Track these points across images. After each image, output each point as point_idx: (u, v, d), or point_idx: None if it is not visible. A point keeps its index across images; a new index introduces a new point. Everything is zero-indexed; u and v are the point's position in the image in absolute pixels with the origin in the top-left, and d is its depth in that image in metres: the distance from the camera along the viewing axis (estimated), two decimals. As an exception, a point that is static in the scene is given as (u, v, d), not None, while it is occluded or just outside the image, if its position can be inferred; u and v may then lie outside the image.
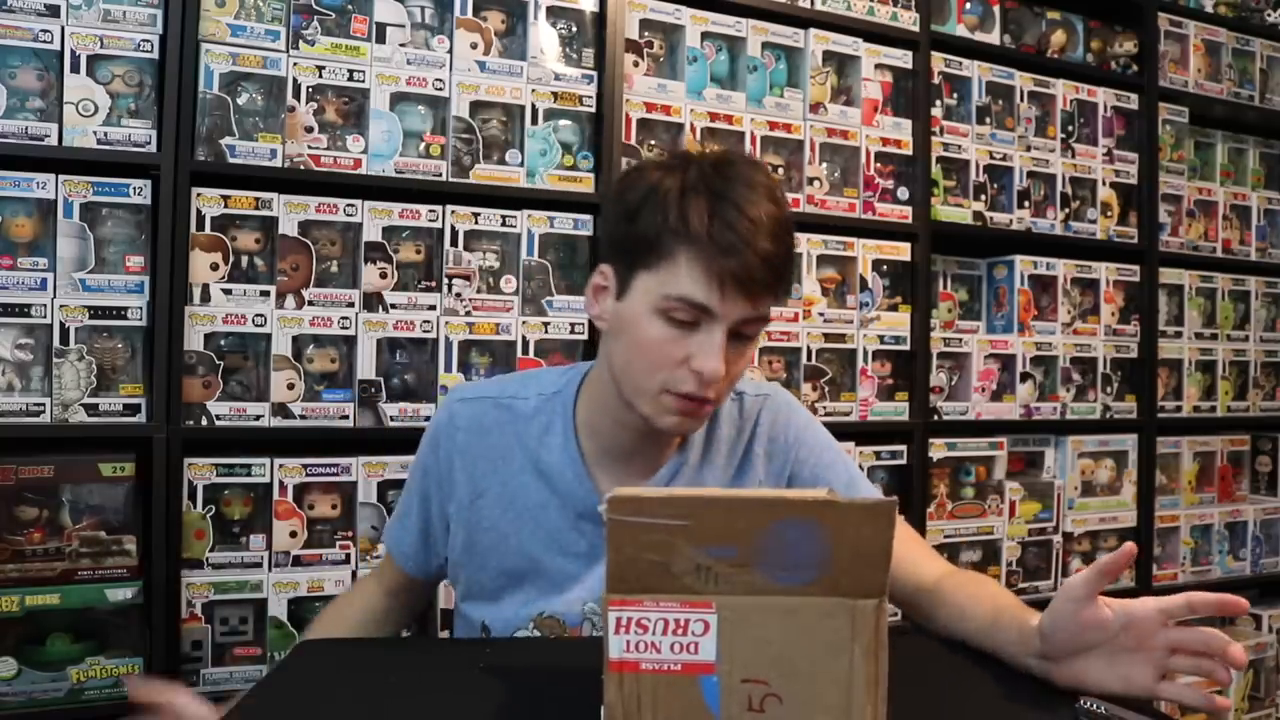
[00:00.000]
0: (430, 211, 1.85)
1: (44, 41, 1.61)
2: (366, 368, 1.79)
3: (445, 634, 1.81)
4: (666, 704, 0.63)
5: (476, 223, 1.88)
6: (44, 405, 1.60)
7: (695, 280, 0.96)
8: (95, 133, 1.64)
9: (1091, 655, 0.86)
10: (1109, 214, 2.58)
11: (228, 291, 1.72)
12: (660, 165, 1.03)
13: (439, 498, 1.16)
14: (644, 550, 0.62)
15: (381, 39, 1.83)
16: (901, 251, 2.27)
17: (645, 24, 2.05)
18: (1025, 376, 2.41)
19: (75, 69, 1.63)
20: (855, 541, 0.62)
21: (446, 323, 1.84)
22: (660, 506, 0.62)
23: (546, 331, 1.90)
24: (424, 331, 1.83)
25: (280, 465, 1.73)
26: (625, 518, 0.62)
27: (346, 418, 1.78)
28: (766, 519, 0.62)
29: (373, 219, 1.81)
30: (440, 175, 1.86)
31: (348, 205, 1.79)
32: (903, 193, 2.28)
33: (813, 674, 0.64)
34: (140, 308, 1.66)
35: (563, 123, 1.97)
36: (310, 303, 1.77)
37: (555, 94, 1.95)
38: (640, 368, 1.01)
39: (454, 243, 1.86)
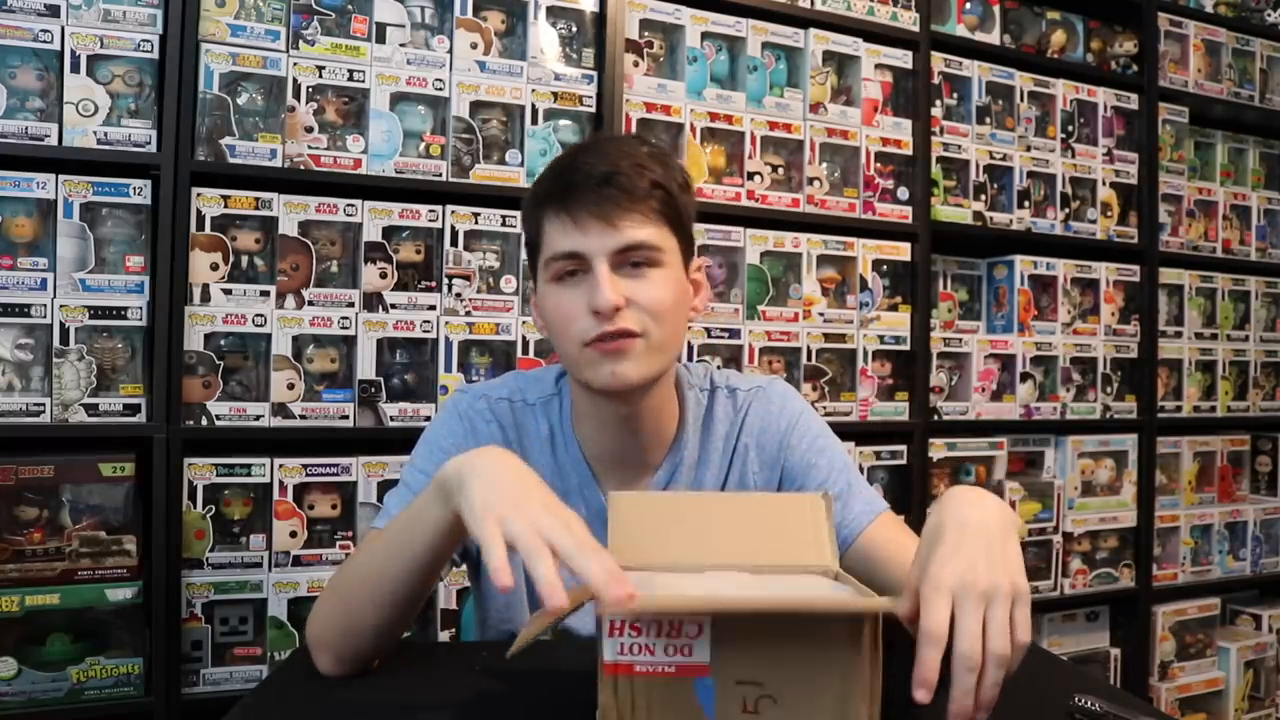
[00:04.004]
0: (430, 211, 1.85)
1: (44, 41, 1.62)
2: (366, 368, 1.79)
3: (445, 635, 1.81)
4: (661, 706, 0.63)
5: (476, 223, 1.88)
6: (44, 405, 1.60)
7: (557, 232, 1.01)
8: (95, 133, 1.64)
9: None
10: (1109, 214, 2.58)
11: (228, 291, 1.72)
12: None
13: None
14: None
15: (381, 39, 1.83)
16: (901, 251, 2.27)
17: (645, 24, 2.05)
18: (1025, 376, 2.41)
19: (75, 69, 1.63)
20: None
21: (446, 323, 1.84)
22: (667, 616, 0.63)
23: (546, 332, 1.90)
24: (424, 331, 1.83)
25: (280, 465, 1.74)
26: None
27: (346, 418, 1.78)
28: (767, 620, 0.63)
29: (373, 219, 1.81)
30: (440, 175, 1.87)
31: (348, 205, 1.79)
32: (903, 193, 2.28)
33: (808, 675, 0.64)
34: (140, 308, 1.66)
35: (563, 123, 1.97)
36: (310, 303, 1.77)
37: (555, 94, 1.95)
38: (560, 337, 1.03)
39: (454, 243, 1.87)
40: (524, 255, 1.90)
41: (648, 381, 1.03)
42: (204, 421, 1.69)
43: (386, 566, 0.89)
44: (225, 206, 1.71)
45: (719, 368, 2.04)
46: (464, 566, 1.17)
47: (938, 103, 2.33)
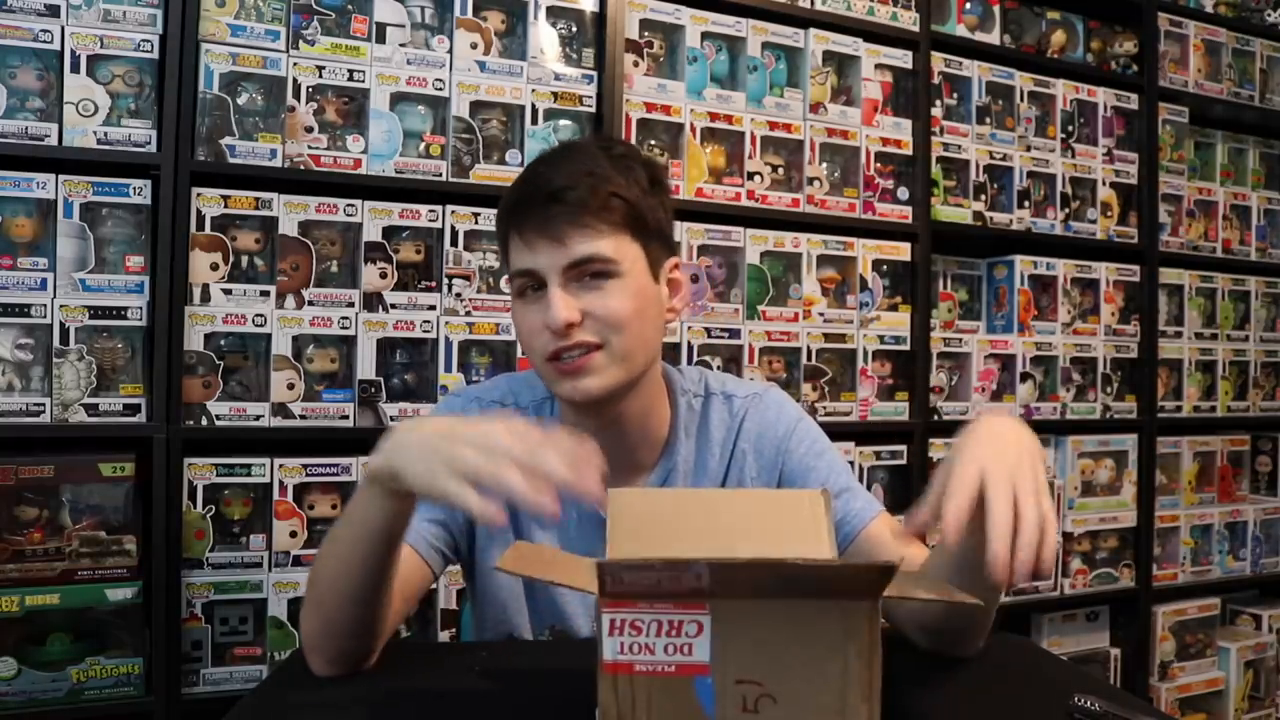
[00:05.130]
0: (430, 211, 1.85)
1: (44, 41, 1.62)
2: (366, 368, 1.79)
3: (445, 635, 1.81)
4: (661, 705, 0.63)
5: (476, 223, 1.88)
6: (44, 405, 1.60)
7: (514, 250, 1.03)
8: (95, 133, 1.64)
9: None
10: (1109, 214, 2.58)
11: (228, 291, 1.72)
12: None
13: None
14: None
15: (381, 39, 1.83)
16: (901, 251, 2.27)
17: (645, 24, 2.05)
18: (1025, 376, 2.41)
19: (75, 69, 1.63)
20: (853, 578, 0.63)
21: (446, 323, 1.84)
22: (660, 566, 0.62)
23: (546, 331, 1.90)
24: (424, 331, 1.83)
25: (280, 465, 1.74)
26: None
27: (346, 418, 1.78)
28: (765, 576, 0.62)
29: (373, 219, 1.81)
30: (440, 175, 1.87)
31: (348, 205, 1.79)
32: (903, 193, 2.28)
33: (807, 674, 0.64)
34: (140, 308, 1.66)
35: (563, 123, 1.97)
36: (310, 303, 1.77)
37: (555, 94, 1.95)
38: (527, 351, 1.05)
39: (454, 243, 1.87)
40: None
41: (612, 392, 1.03)
42: (204, 421, 1.69)
43: (347, 565, 0.88)
44: (225, 206, 1.71)
45: (719, 368, 2.05)
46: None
47: (938, 103, 2.33)
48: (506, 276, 1.07)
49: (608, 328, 1.01)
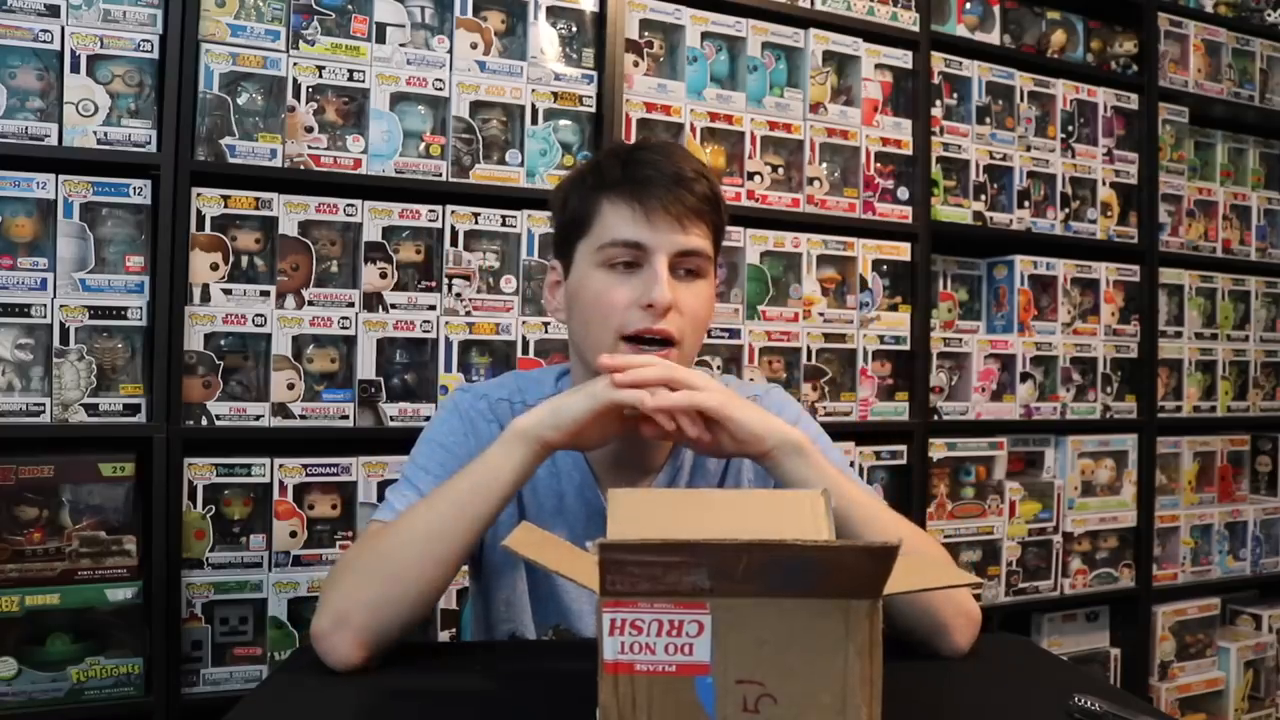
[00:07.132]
0: (430, 211, 1.85)
1: (44, 41, 1.62)
2: (366, 368, 1.79)
3: (445, 635, 1.81)
4: (661, 705, 0.63)
5: (476, 223, 1.88)
6: (44, 405, 1.60)
7: (622, 219, 1.01)
8: (95, 133, 1.64)
9: None
10: (1109, 214, 2.58)
11: (228, 291, 1.72)
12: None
13: None
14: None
15: (381, 39, 1.83)
16: (901, 251, 2.27)
17: (645, 24, 2.05)
18: (1025, 376, 2.41)
19: (75, 69, 1.63)
20: (854, 566, 0.62)
21: (446, 323, 1.84)
22: (658, 549, 0.61)
23: (546, 331, 1.90)
24: (424, 331, 1.83)
25: (280, 465, 1.74)
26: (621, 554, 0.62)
27: (346, 418, 1.78)
28: (763, 558, 0.62)
29: (373, 219, 1.81)
30: (440, 175, 1.87)
31: (348, 205, 1.79)
32: (903, 193, 2.28)
33: (807, 674, 0.64)
34: (140, 308, 1.66)
35: (563, 123, 1.97)
36: (310, 303, 1.77)
37: (555, 94, 1.95)
38: (595, 323, 1.03)
39: (454, 243, 1.87)
40: (525, 250, 1.90)
41: None
42: (204, 421, 1.69)
43: (451, 521, 0.94)
44: (225, 206, 1.71)
45: (719, 369, 2.04)
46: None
47: (938, 103, 2.33)
48: (588, 245, 1.04)
49: (689, 325, 1.02)
